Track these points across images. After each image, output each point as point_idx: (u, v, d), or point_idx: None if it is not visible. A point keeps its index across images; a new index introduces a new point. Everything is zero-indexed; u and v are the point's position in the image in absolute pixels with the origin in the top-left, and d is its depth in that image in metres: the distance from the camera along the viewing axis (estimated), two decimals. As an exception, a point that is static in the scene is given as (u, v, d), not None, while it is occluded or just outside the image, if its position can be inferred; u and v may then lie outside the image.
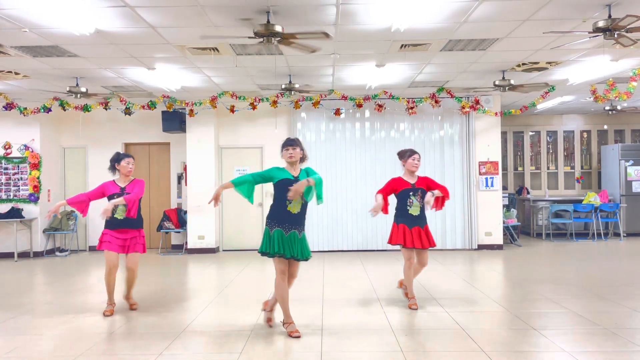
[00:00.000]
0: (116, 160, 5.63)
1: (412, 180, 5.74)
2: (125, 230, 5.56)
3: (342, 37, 6.24)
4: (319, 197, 4.71)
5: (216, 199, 4.68)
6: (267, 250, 4.60)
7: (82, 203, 5.56)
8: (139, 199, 5.64)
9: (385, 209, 5.70)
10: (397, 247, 5.91)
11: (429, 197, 5.61)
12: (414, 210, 5.68)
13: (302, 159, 4.83)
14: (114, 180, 5.68)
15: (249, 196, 4.69)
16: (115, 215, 5.49)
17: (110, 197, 5.53)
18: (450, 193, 5.97)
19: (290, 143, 4.77)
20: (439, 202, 5.81)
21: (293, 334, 4.60)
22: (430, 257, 9.28)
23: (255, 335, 4.70)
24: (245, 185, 4.68)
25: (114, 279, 5.57)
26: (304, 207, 4.72)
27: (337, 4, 5.20)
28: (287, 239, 4.61)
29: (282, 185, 4.62)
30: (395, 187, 5.74)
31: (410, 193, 5.68)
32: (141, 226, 5.73)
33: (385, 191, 5.76)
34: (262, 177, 4.73)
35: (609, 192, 11.99)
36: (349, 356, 4.16)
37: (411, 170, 5.74)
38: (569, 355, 4.04)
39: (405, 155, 5.81)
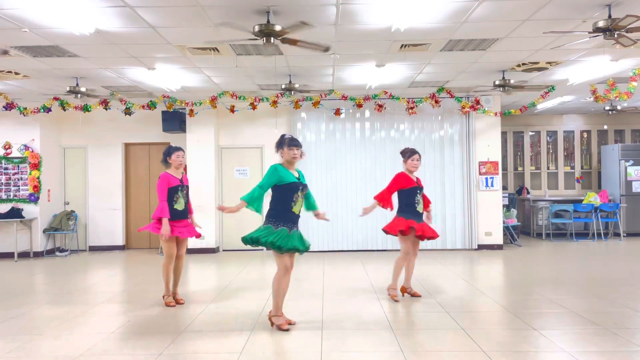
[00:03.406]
0: (167, 153, 5.92)
1: (415, 179, 5.97)
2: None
3: (342, 37, 6.24)
4: (311, 207, 5.08)
5: (230, 212, 4.87)
6: (281, 244, 4.60)
7: (164, 210, 5.78)
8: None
9: (391, 205, 5.91)
10: (399, 246, 5.93)
11: (426, 217, 6.08)
12: (420, 208, 5.94)
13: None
14: (169, 173, 5.90)
15: (259, 210, 4.77)
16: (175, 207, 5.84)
17: (174, 188, 5.81)
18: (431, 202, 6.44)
19: (297, 144, 4.90)
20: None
21: (283, 327, 4.75)
22: (430, 256, 9.36)
23: (255, 334, 4.71)
24: (259, 201, 4.76)
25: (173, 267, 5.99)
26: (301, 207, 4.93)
27: (337, 4, 5.20)
28: (292, 236, 4.73)
29: (290, 188, 4.75)
30: (405, 183, 5.91)
31: (417, 191, 5.92)
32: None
33: (393, 187, 5.91)
34: (269, 185, 4.79)
35: (609, 192, 11.99)
36: (349, 356, 4.16)
37: (410, 170, 5.96)
38: (569, 355, 4.04)
39: (405, 154, 6.02)
